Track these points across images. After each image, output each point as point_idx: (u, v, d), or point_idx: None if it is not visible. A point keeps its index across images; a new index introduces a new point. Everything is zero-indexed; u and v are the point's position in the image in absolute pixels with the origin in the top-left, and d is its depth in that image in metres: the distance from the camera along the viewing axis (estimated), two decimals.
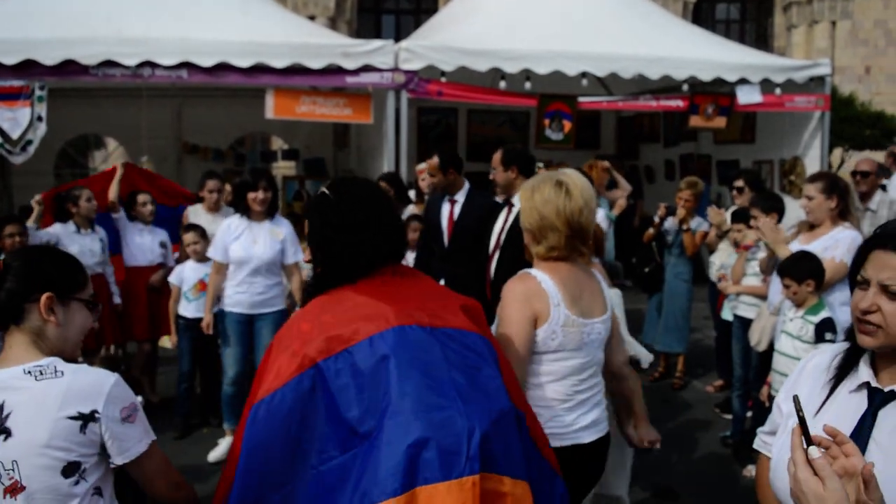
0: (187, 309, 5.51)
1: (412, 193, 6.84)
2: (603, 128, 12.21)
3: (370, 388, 1.80)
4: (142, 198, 6.11)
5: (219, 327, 5.05)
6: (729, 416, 5.46)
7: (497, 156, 4.72)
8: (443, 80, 7.41)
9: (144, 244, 6.00)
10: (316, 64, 6.90)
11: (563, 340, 2.42)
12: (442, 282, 4.90)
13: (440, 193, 5.22)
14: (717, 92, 8.24)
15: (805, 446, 1.32)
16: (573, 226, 2.45)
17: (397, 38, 7.40)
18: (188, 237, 5.57)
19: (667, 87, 8.43)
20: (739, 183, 5.93)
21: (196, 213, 6.30)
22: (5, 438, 1.73)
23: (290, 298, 5.29)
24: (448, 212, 5.13)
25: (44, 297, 1.87)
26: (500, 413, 1.83)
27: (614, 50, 7.75)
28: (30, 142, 6.59)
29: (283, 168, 12.21)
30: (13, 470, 1.74)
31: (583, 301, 2.48)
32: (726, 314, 5.55)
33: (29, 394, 1.76)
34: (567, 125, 7.88)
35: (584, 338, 2.46)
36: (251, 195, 4.81)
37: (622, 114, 12.00)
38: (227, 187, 6.29)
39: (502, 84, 7.67)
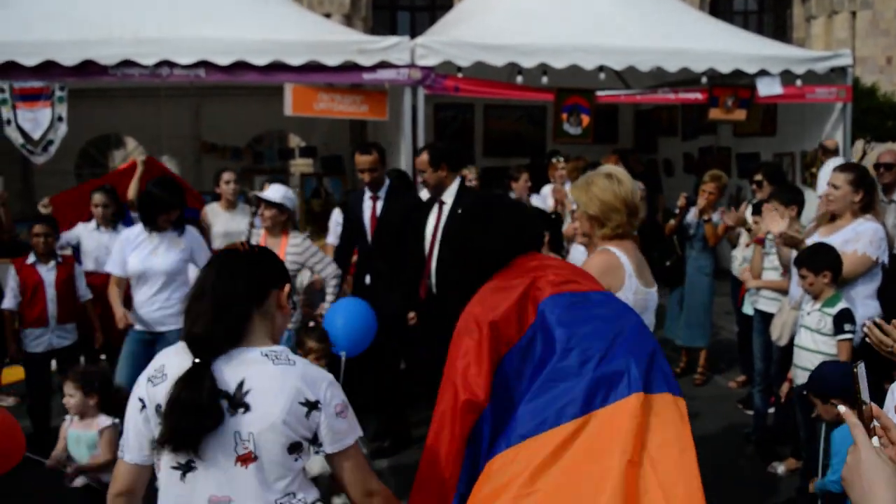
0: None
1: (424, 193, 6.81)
2: (621, 122, 12.14)
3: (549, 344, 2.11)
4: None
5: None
6: (752, 412, 5.41)
7: (424, 157, 4.86)
8: (459, 75, 7.38)
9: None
10: (332, 61, 6.91)
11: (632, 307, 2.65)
12: (367, 278, 5.00)
13: (361, 190, 5.19)
14: (736, 84, 8.16)
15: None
16: (630, 206, 2.95)
17: (413, 35, 7.39)
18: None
19: (685, 79, 8.36)
20: (758, 177, 5.88)
21: (214, 212, 6.35)
22: (244, 412, 1.89)
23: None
24: (370, 208, 5.08)
25: (286, 287, 2.09)
26: (653, 347, 2.13)
27: (632, 43, 7.69)
28: (51, 142, 6.66)
29: (300, 165, 12.24)
30: (249, 441, 1.89)
31: (644, 272, 2.97)
32: (747, 308, 5.50)
33: (267, 375, 1.92)
34: (585, 119, 7.84)
35: (647, 304, 2.94)
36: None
37: (640, 107, 11.92)
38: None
39: (519, 79, 7.64)
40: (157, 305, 4.60)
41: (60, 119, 6.61)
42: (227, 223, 6.21)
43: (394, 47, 7.06)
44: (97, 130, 10.79)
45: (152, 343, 4.56)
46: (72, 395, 3.54)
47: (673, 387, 2.07)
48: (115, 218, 5.90)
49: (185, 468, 1.91)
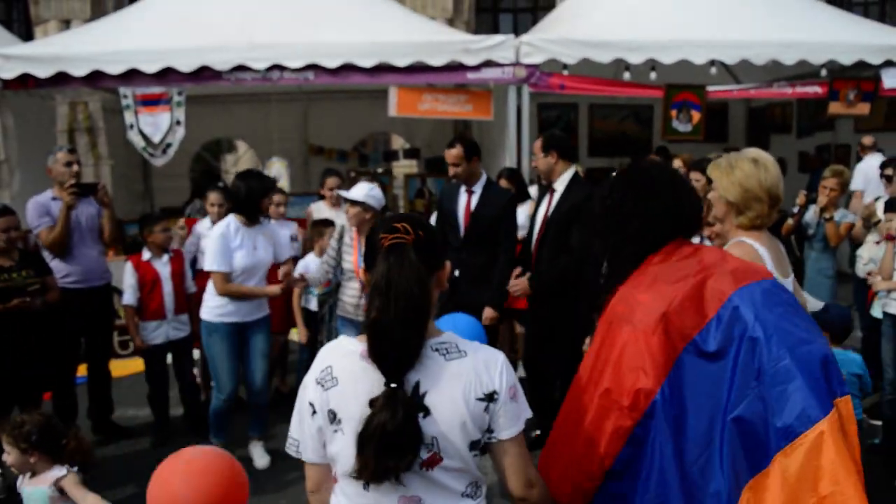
0: (311, 302, 5.73)
1: (533, 190, 6.76)
2: (731, 119, 11.74)
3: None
4: (277, 197, 6.30)
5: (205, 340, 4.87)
6: (878, 423, 5.09)
7: (537, 143, 4.89)
8: (565, 73, 7.28)
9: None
10: (437, 61, 6.93)
11: None
12: (456, 272, 4.94)
13: (457, 183, 5.13)
14: (859, 76, 7.72)
15: None
16: (773, 196, 2.75)
17: (516, 36, 7.32)
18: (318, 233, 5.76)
19: (803, 73, 7.98)
20: (889, 171, 5.54)
21: (319, 210, 6.52)
22: (425, 416, 1.79)
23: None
24: (465, 202, 5.06)
25: (447, 264, 1.96)
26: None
27: (745, 35, 7.36)
28: (169, 145, 6.97)
29: (404, 167, 12.39)
30: (433, 445, 1.80)
31: (782, 263, 2.79)
32: (876, 311, 5.18)
33: (443, 374, 1.82)
34: (696, 116, 7.58)
35: None
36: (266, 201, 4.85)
37: (752, 103, 11.50)
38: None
39: (626, 75, 7.47)
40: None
41: (178, 123, 6.91)
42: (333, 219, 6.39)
43: (498, 46, 7.03)
44: (210, 134, 11.24)
45: (243, 332, 4.83)
46: (8, 453, 3.21)
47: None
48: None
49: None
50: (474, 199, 5.06)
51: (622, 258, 2.28)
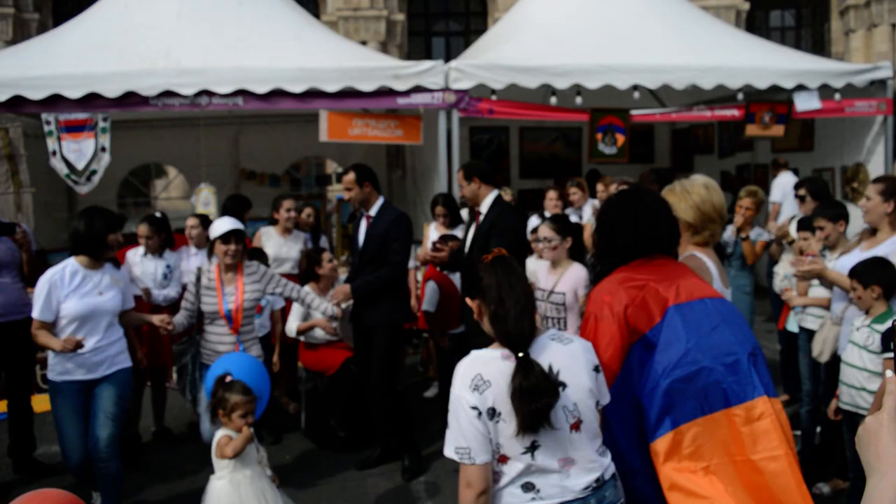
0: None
1: (464, 213, 6.85)
2: (657, 140, 12.08)
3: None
4: (189, 220, 6.25)
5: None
6: (797, 432, 5.28)
7: (459, 174, 5.21)
8: (493, 98, 7.42)
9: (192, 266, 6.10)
10: (367, 87, 7.00)
11: None
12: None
13: (359, 211, 5.34)
14: (773, 100, 8.08)
15: None
16: (722, 216, 3.14)
17: (448, 60, 7.44)
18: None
19: (721, 96, 8.30)
20: (802, 191, 5.79)
21: (268, 235, 6.47)
22: (563, 388, 2.30)
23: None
24: (365, 227, 5.26)
25: None
26: (756, 348, 2.57)
27: (666, 61, 7.65)
28: (94, 172, 6.82)
29: (339, 190, 12.34)
30: (575, 410, 2.32)
31: (723, 276, 3.13)
32: (792, 326, 5.40)
33: (564, 355, 2.36)
34: (620, 139, 7.81)
35: None
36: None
37: (676, 126, 11.86)
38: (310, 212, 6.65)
39: (553, 100, 7.65)
40: (104, 347, 4.32)
41: (104, 149, 6.77)
42: (279, 248, 6.38)
43: (428, 72, 7.13)
44: (139, 160, 11.02)
45: (90, 390, 4.31)
46: None
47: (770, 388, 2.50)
48: (165, 245, 5.95)
49: (532, 448, 2.26)
50: (370, 224, 5.25)
51: (606, 265, 2.74)
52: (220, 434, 3.75)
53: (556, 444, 2.28)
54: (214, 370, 3.96)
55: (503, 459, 2.29)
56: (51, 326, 4.23)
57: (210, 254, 4.65)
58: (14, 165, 7.42)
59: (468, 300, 2.49)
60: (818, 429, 4.99)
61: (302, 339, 5.80)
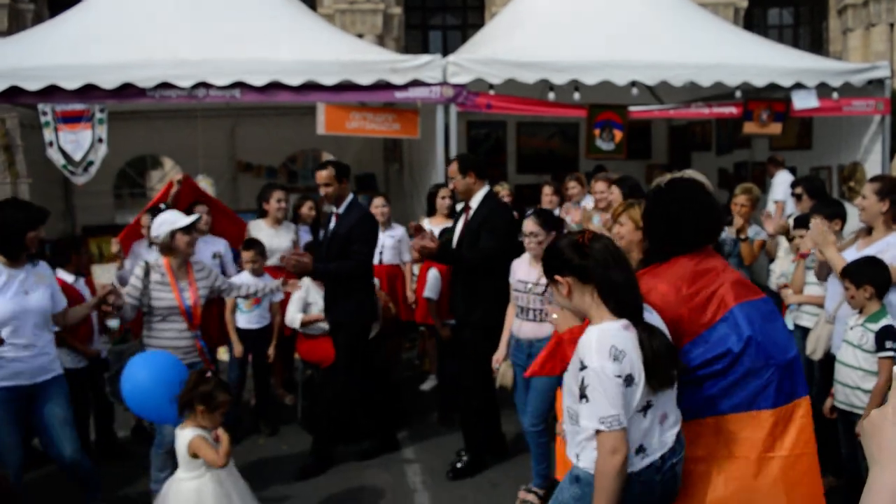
0: (240, 320, 5.70)
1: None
2: (654, 137, 12.06)
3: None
4: (198, 208, 6.24)
5: None
6: None
7: (453, 166, 5.12)
8: (491, 92, 7.41)
9: (199, 256, 6.11)
10: (365, 80, 6.98)
11: None
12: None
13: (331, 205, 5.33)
14: (771, 98, 8.08)
15: None
16: None
17: (445, 54, 7.43)
18: (247, 255, 5.75)
19: (719, 94, 8.30)
20: (798, 190, 5.80)
21: (258, 227, 6.46)
22: None
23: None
24: (333, 223, 5.26)
25: None
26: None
27: (664, 58, 7.65)
28: (91, 163, 6.80)
29: None
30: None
31: None
32: (787, 324, 5.40)
33: (653, 319, 2.52)
34: (618, 135, 7.81)
35: None
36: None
37: (673, 122, 11.84)
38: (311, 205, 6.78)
39: (551, 95, 7.64)
40: (36, 352, 4.05)
41: (100, 140, 6.75)
42: (270, 239, 6.31)
43: (426, 66, 7.12)
44: (135, 151, 10.98)
45: (32, 399, 4.07)
46: None
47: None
48: None
49: (647, 407, 2.44)
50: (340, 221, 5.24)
51: (654, 254, 2.85)
52: (194, 434, 3.62)
53: (660, 404, 2.48)
54: (135, 372, 3.94)
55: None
56: None
57: (168, 248, 4.54)
58: (10, 156, 7.42)
59: (558, 277, 2.54)
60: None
61: (301, 330, 5.80)
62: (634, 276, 2.55)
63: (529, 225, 4.59)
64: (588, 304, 2.49)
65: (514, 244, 5.02)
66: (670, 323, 2.59)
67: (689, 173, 3.11)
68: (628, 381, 2.36)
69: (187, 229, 4.52)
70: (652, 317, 2.54)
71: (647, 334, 2.42)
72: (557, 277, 2.54)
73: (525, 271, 4.59)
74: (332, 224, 5.24)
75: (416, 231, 5.13)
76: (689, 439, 2.61)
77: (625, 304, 2.45)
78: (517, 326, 4.57)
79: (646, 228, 2.98)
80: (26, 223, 4.01)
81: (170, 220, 4.57)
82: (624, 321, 2.44)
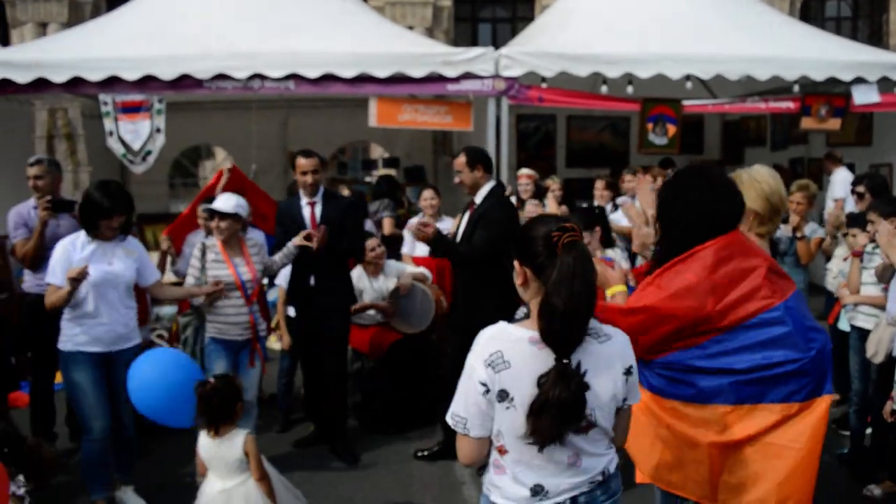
0: (291, 310, 5.76)
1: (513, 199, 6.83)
2: (707, 132, 11.90)
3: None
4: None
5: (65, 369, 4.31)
6: (846, 433, 5.20)
7: (461, 159, 5.03)
8: (543, 86, 7.37)
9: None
10: (417, 72, 7.00)
11: None
12: (312, 279, 5.17)
13: (296, 198, 5.32)
14: (830, 92, 7.88)
15: None
16: (783, 210, 3.23)
17: (495, 47, 7.40)
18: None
19: (776, 88, 8.13)
20: (861, 188, 5.65)
21: None
22: (586, 391, 2.09)
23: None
24: (310, 214, 5.22)
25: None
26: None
27: (720, 51, 7.51)
28: (149, 152, 6.96)
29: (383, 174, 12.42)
30: (591, 414, 2.13)
31: None
32: (843, 325, 5.29)
33: (597, 356, 2.14)
34: (671, 129, 7.70)
35: None
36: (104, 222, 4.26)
37: (727, 117, 11.66)
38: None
39: (604, 89, 7.57)
40: (116, 320, 4.28)
41: (159, 130, 6.90)
42: None
43: (478, 58, 7.10)
44: (189, 141, 11.20)
45: (107, 364, 4.27)
46: None
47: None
48: None
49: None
50: (318, 209, 5.23)
51: (672, 245, 2.70)
52: (246, 431, 3.58)
53: (568, 443, 2.15)
54: (142, 373, 3.96)
55: (502, 451, 2.18)
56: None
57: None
58: (73, 144, 7.62)
59: (517, 264, 2.21)
60: (868, 430, 4.91)
61: (352, 319, 5.84)
62: (587, 303, 2.08)
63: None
64: (530, 298, 2.18)
65: (507, 240, 4.92)
66: (692, 310, 2.52)
67: (761, 168, 3.11)
68: (501, 396, 2.09)
69: (224, 215, 4.64)
70: (610, 345, 2.20)
71: (561, 380, 2.03)
72: (517, 264, 2.21)
73: None
74: (307, 214, 5.22)
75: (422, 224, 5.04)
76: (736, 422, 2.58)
77: (552, 330, 2.05)
78: None
79: (660, 220, 2.83)
80: (106, 211, 4.19)
81: (214, 205, 4.75)
82: (536, 334, 2.09)
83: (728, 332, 2.55)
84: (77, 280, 3.99)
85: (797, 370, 2.56)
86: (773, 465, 2.56)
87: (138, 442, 4.63)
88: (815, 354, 2.58)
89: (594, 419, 2.15)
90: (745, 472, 2.59)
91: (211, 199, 6.19)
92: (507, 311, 4.67)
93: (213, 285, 4.53)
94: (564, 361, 2.05)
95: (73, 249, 4.22)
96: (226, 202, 4.69)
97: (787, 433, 2.57)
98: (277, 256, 5.03)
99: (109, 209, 4.20)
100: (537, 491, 2.17)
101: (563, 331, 2.04)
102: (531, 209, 6.96)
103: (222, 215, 4.64)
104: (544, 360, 2.08)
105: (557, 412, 2.02)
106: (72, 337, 4.22)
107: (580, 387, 2.05)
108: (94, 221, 4.21)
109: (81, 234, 4.28)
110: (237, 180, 6.79)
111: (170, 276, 6.00)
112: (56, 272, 4.17)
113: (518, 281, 2.21)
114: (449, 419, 2.20)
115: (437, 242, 4.89)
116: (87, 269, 4.03)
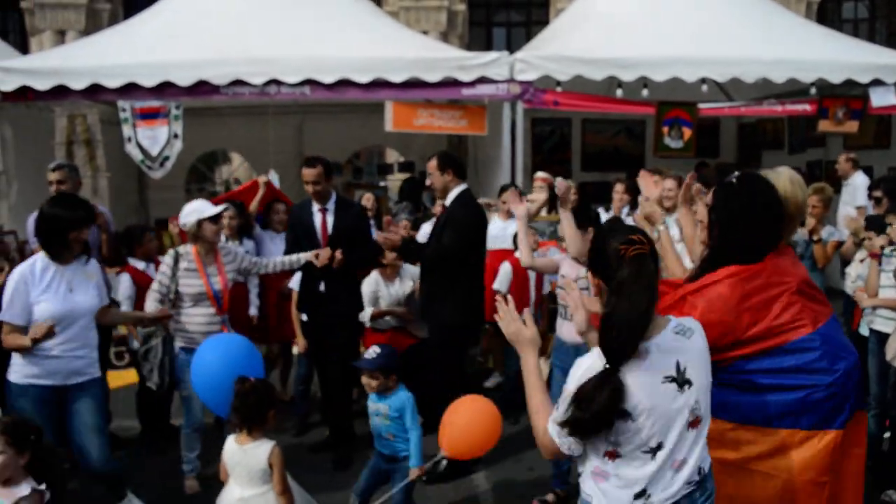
0: (303, 315, 5.80)
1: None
2: (723, 135, 11.84)
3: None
4: (277, 206, 6.45)
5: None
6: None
7: (433, 162, 5.08)
8: (558, 89, 7.37)
9: (275, 251, 6.23)
10: (432, 77, 7.03)
11: None
12: (322, 285, 5.15)
13: (307, 202, 5.31)
14: (848, 94, 7.83)
15: None
16: (802, 216, 3.21)
17: (509, 51, 7.42)
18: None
19: (793, 90, 8.09)
20: (878, 193, 5.61)
21: None
22: (689, 387, 2.19)
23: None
24: (321, 220, 5.23)
25: None
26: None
27: (735, 53, 7.48)
28: (167, 158, 7.04)
29: (398, 180, 12.46)
30: (697, 407, 2.21)
31: None
32: (863, 329, 5.25)
33: (691, 352, 2.22)
34: (687, 132, 7.68)
35: None
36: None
37: (743, 120, 11.60)
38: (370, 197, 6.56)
39: (619, 92, 7.57)
40: (75, 352, 3.97)
41: (176, 136, 6.98)
42: None
43: (493, 62, 7.13)
44: (206, 147, 11.28)
45: (63, 400, 3.95)
46: (1, 452, 2.89)
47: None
48: (242, 231, 6.28)
49: (656, 450, 2.17)
50: (329, 217, 5.23)
51: (722, 257, 2.67)
52: (274, 443, 3.46)
53: (677, 445, 2.19)
54: (205, 356, 3.98)
55: (612, 455, 2.19)
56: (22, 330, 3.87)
57: (195, 236, 4.67)
58: (91, 150, 7.71)
59: (590, 275, 2.32)
60: (886, 434, 4.87)
61: (370, 324, 5.85)
62: (642, 319, 2.13)
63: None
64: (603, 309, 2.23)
65: (476, 243, 5.03)
66: (721, 325, 2.52)
67: (782, 171, 2.98)
68: (621, 413, 2.13)
69: (214, 219, 4.67)
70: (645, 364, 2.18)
71: (600, 381, 2.10)
72: (590, 275, 2.34)
73: (568, 267, 4.54)
74: (318, 221, 5.25)
75: (387, 225, 5.01)
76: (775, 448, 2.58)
77: (609, 342, 2.11)
78: (559, 326, 4.45)
79: (714, 227, 2.73)
80: (69, 223, 3.93)
81: (198, 209, 4.71)
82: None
83: (758, 355, 2.59)
84: (41, 339, 3.76)
85: (820, 399, 2.57)
86: (745, 491, 2.59)
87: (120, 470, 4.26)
88: (839, 380, 2.59)
89: (699, 412, 2.22)
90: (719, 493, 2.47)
91: (232, 202, 6.29)
92: (469, 310, 4.69)
93: (159, 312, 4.47)
94: (608, 367, 2.09)
95: (31, 278, 3.88)
96: (216, 208, 4.77)
97: (774, 461, 2.58)
98: (279, 259, 5.08)
99: (82, 219, 3.98)
100: (640, 494, 2.20)
101: (617, 341, 2.08)
102: (510, 196, 6.89)
103: (211, 219, 4.66)
104: (662, 366, 2.17)
105: (590, 413, 2.08)
106: (22, 367, 3.89)
107: (613, 395, 2.08)
108: (63, 236, 3.91)
109: (38, 259, 3.96)
110: (269, 193, 6.89)
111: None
112: (14, 306, 3.84)
113: (592, 292, 2.32)
114: (555, 436, 2.20)
115: (404, 248, 5.00)
116: (54, 330, 3.78)
